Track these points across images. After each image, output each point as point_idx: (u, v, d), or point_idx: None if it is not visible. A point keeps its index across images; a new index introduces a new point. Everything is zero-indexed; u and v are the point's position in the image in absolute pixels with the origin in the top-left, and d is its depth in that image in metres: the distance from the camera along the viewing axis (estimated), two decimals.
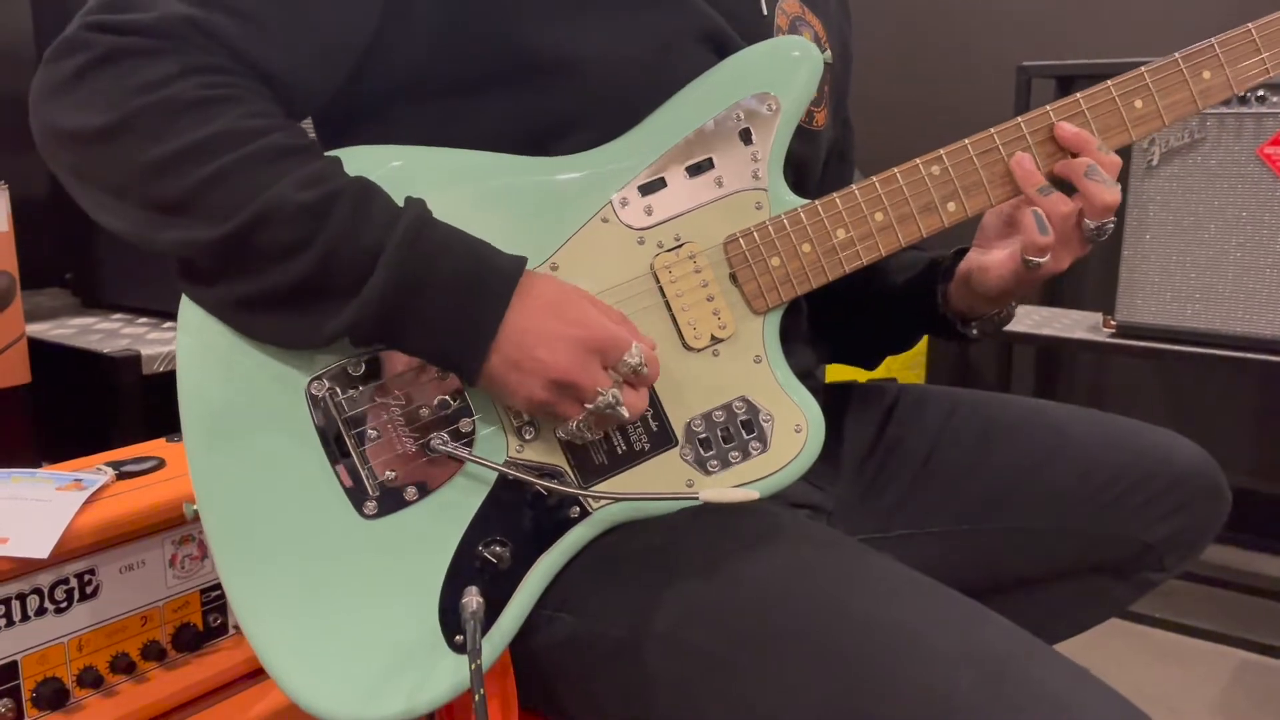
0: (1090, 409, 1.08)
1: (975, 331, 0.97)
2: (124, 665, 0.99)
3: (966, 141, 0.84)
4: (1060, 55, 2.36)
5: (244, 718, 1.06)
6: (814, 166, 0.97)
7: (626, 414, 0.74)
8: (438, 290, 0.70)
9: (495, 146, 0.81)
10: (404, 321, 0.71)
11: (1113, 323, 2.03)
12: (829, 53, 0.98)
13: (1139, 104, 0.83)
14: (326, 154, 0.75)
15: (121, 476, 1.05)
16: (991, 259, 0.88)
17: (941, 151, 0.84)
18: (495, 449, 0.78)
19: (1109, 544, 1.01)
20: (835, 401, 1.07)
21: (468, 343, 0.72)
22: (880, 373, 2.59)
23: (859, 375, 1.19)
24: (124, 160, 0.70)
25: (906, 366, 2.60)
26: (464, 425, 0.78)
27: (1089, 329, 2.14)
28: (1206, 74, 0.83)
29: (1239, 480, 2.03)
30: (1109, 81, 0.84)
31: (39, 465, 1.51)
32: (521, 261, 0.74)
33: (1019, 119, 0.84)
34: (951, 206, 0.84)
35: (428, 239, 0.71)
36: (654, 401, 0.80)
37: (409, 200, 0.73)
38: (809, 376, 0.96)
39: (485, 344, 0.72)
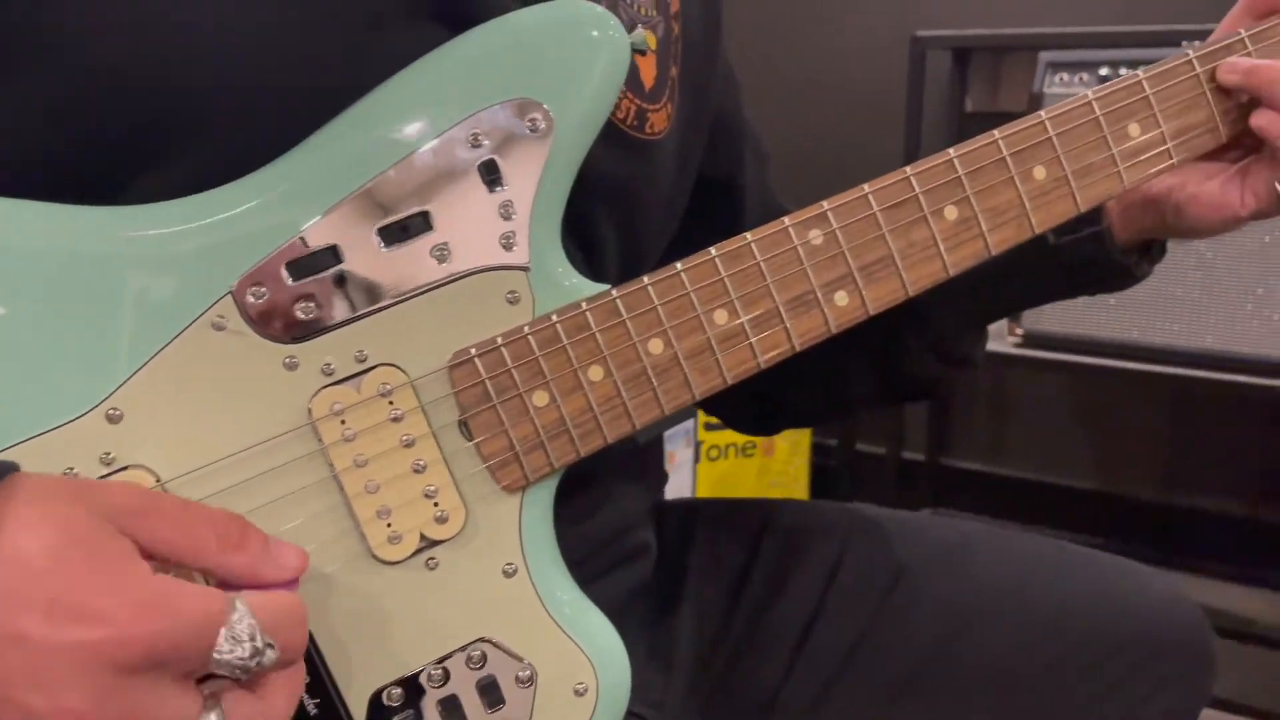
0: (1040, 538, 0.79)
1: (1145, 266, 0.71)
2: None
3: (878, 182, 0.50)
4: (957, 24, 2.07)
5: None
6: (649, 203, 0.60)
7: None
8: None
9: (29, 191, 0.44)
10: None
11: (1019, 331, 1.84)
12: (661, 27, 0.61)
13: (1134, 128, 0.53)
14: None
15: None
16: (1206, 190, 0.64)
17: (826, 206, 0.49)
18: None
19: None
20: (674, 535, 0.73)
21: None
22: None
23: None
24: None
25: None
26: None
27: (993, 337, 1.91)
28: None
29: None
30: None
31: None
32: None
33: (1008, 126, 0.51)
34: (841, 298, 0.49)
35: None
36: (310, 657, 0.44)
37: None
38: (629, 533, 0.62)
39: None
